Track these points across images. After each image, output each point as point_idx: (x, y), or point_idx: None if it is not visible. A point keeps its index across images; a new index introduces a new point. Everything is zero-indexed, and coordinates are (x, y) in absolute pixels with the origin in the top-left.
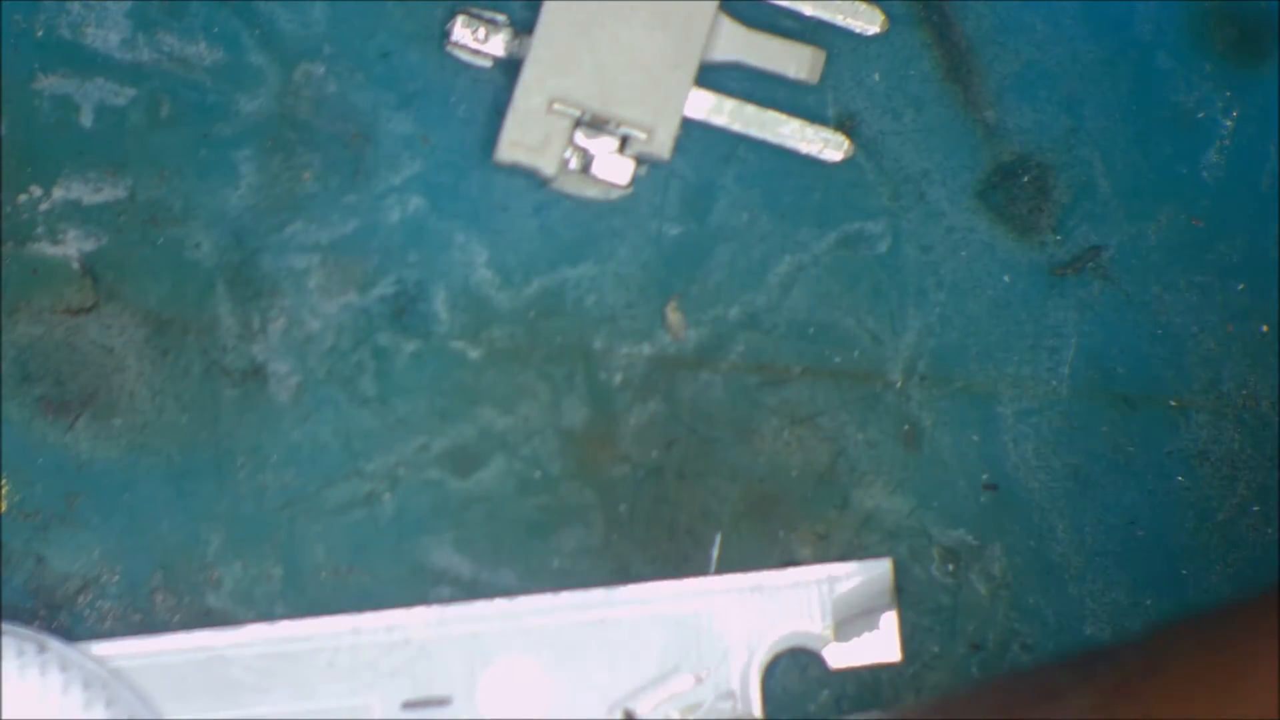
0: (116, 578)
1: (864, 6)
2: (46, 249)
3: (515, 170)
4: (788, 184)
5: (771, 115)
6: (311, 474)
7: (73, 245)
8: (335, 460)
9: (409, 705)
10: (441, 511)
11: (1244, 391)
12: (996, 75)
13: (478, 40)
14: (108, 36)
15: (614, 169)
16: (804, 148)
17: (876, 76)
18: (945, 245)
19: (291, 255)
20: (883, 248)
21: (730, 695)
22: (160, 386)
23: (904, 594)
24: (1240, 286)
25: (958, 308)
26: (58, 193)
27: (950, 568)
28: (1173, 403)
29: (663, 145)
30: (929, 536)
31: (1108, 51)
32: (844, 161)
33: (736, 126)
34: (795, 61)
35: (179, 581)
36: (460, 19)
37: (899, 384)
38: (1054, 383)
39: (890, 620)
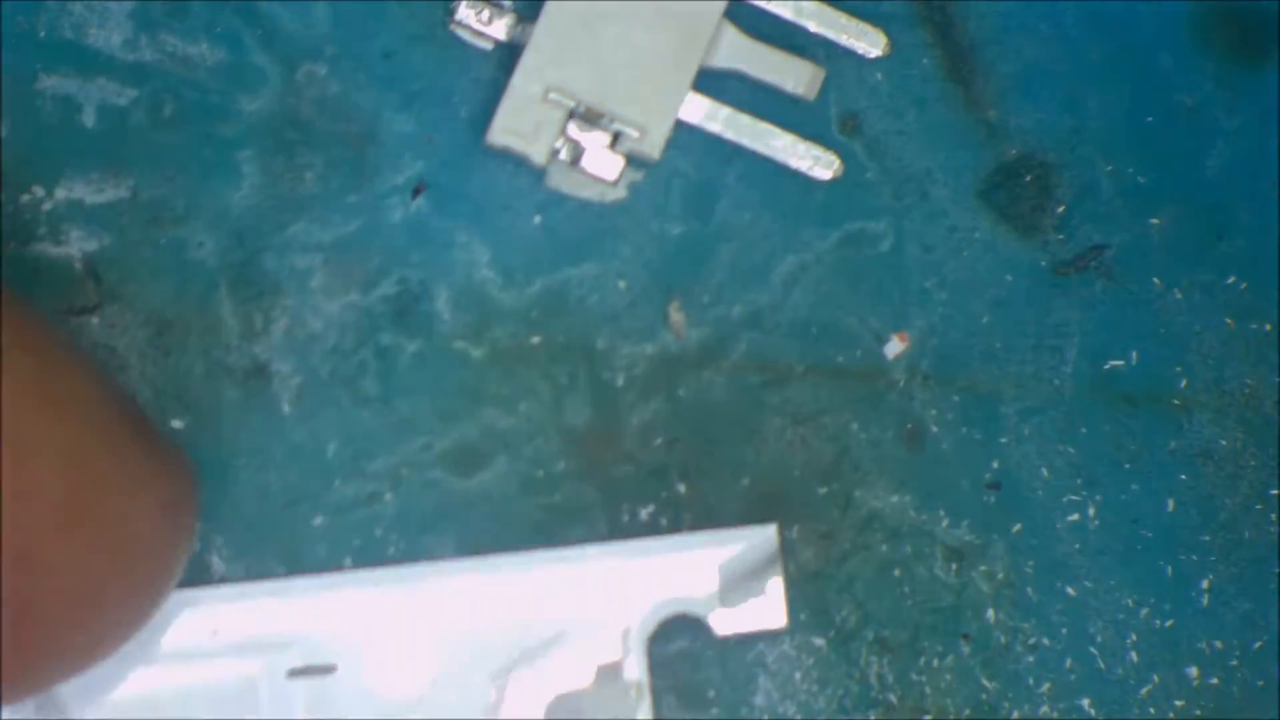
0: None
1: (868, 29)
2: (49, 249)
3: (507, 158)
4: (790, 183)
5: (765, 127)
6: (314, 474)
7: (75, 245)
8: (338, 460)
9: (295, 674)
10: (444, 511)
11: (1246, 390)
12: (999, 75)
13: (481, 22)
14: (110, 37)
15: (603, 164)
16: (794, 163)
17: (879, 76)
18: (948, 245)
19: (294, 255)
20: (885, 247)
21: (615, 663)
22: (163, 386)
23: (906, 592)
24: (1242, 285)
25: (960, 307)
26: (60, 193)
27: (953, 566)
28: (1175, 401)
29: (654, 145)
30: (932, 536)
31: (1110, 51)
32: (847, 160)
33: (729, 135)
34: (794, 77)
35: (181, 582)
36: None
37: (902, 383)
38: (1056, 382)
39: (776, 586)
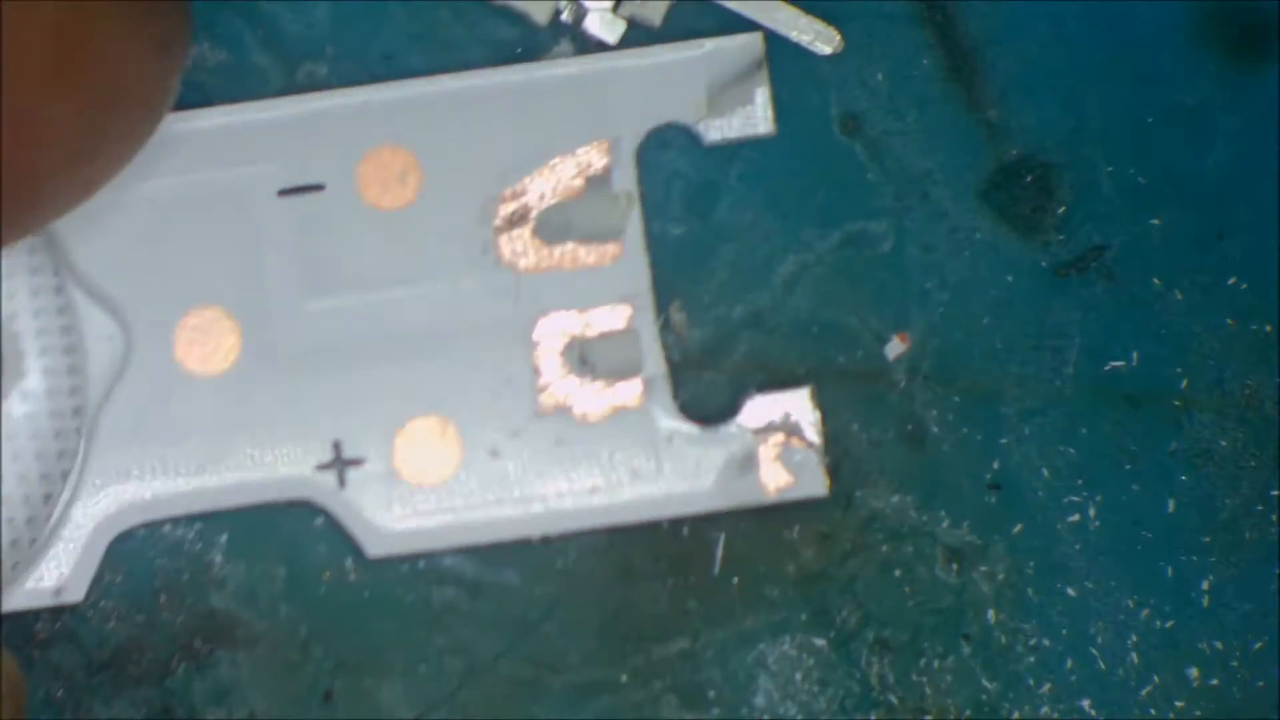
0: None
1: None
2: None
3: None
4: (791, 183)
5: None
6: None
7: None
8: None
9: (285, 192)
10: None
11: (1247, 391)
12: (1000, 75)
13: None
14: None
15: (605, 27)
16: (795, 36)
17: (880, 76)
18: (948, 245)
19: None
20: (886, 247)
21: (605, 170)
22: None
23: (907, 593)
24: (1243, 286)
25: (961, 307)
26: None
27: (954, 567)
28: (1176, 402)
29: (655, 10)
30: (933, 536)
31: (1110, 51)
32: (848, 161)
33: (731, 5)
34: None
35: (182, 580)
36: None
37: (902, 384)
38: (1057, 382)
39: (763, 93)
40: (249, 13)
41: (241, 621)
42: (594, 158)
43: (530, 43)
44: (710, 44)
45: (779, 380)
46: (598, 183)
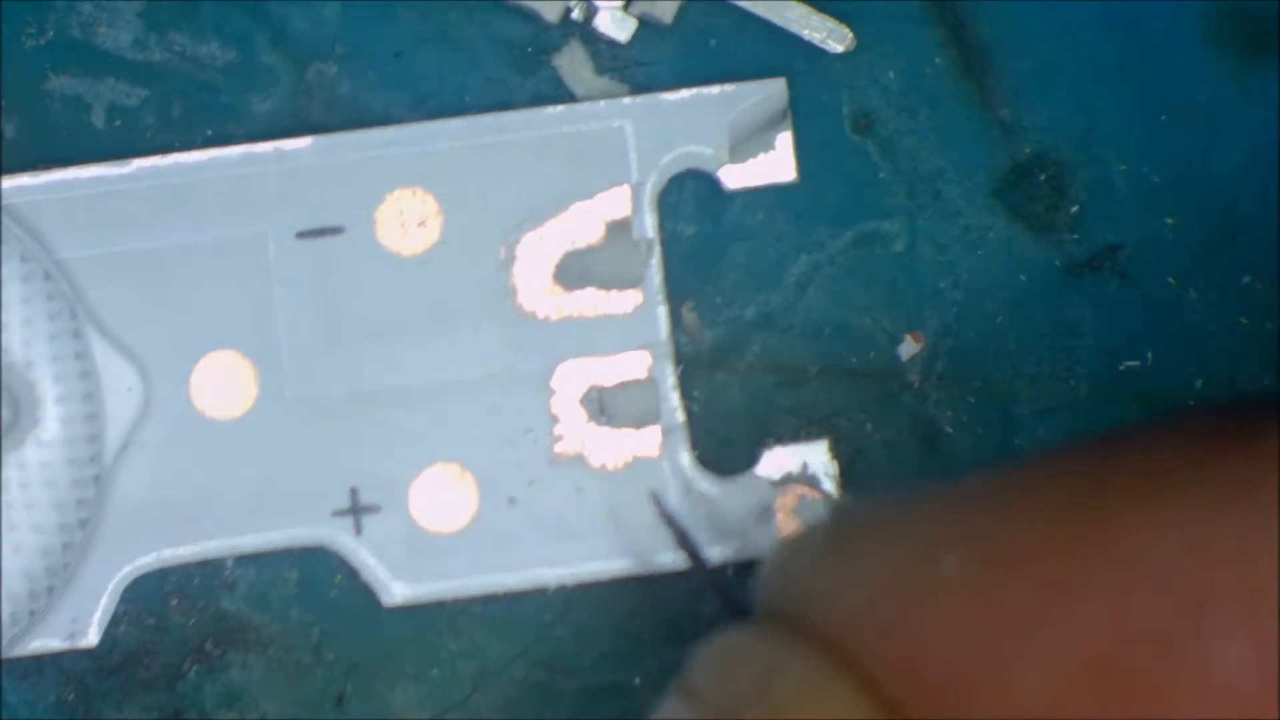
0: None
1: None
2: None
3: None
4: (803, 183)
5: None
6: None
7: None
8: None
9: (303, 235)
10: None
11: (1261, 391)
12: (1012, 73)
13: None
14: (119, 36)
15: (616, 25)
16: (807, 34)
17: (892, 75)
18: (962, 244)
19: None
20: (899, 247)
21: (625, 218)
22: None
23: None
24: (1257, 285)
25: (974, 307)
26: None
27: None
28: (1190, 402)
29: (667, 9)
30: None
31: (1124, 50)
32: (860, 160)
33: (742, 2)
34: None
35: (193, 584)
36: None
37: (916, 384)
38: (1071, 382)
39: (786, 140)
40: (257, 12)
41: (253, 624)
42: (614, 205)
43: (541, 41)
44: (734, 89)
45: (790, 380)
46: (618, 230)
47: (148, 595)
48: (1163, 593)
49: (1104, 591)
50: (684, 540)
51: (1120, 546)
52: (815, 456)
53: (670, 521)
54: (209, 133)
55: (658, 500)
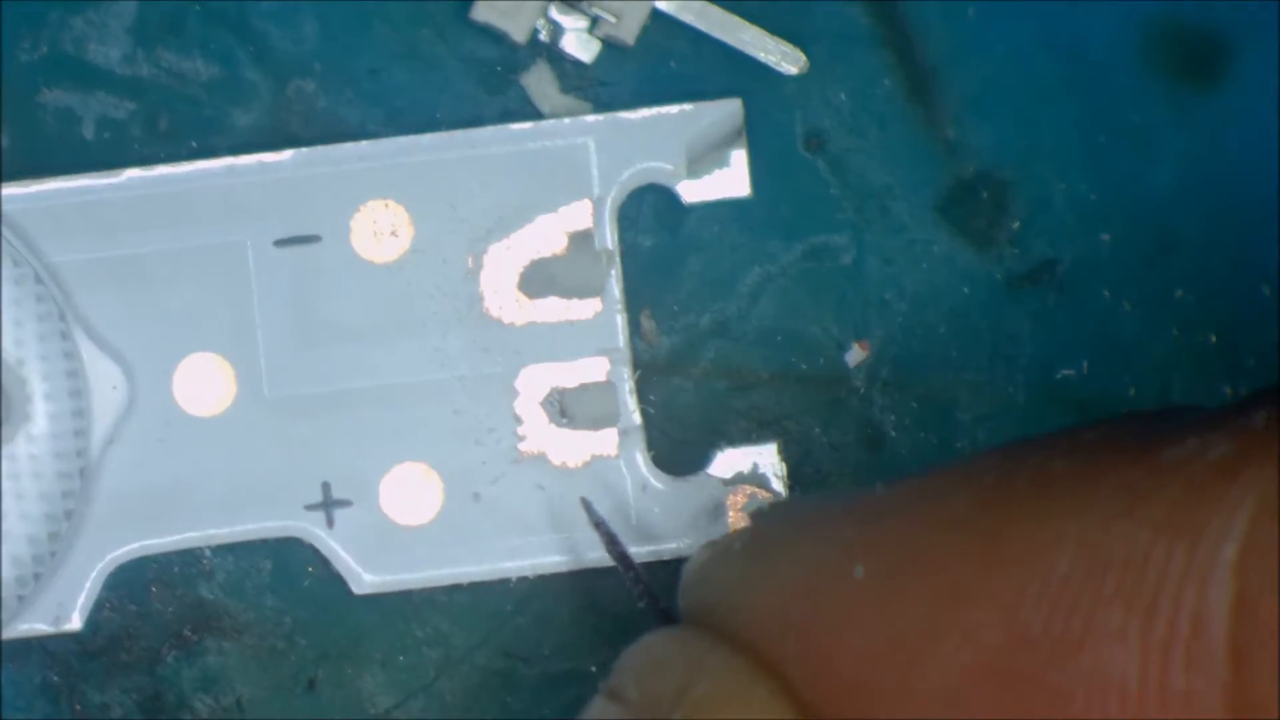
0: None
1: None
2: None
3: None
4: (757, 198)
5: (735, 20)
6: None
7: None
8: None
9: (281, 243)
10: None
11: (1192, 399)
12: (957, 95)
13: None
14: (109, 52)
15: (581, 46)
16: (761, 56)
17: (842, 96)
18: (907, 257)
19: None
20: (847, 259)
21: (587, 229)
22: None
23: None
24: (1189, 298)
25: (918, 317)
26: None
27: None
28: (1124, 410)
29: (629, 31)
30: None
31: (1064, 73)
32: (811, 176)
33: (701, 26)
34: None
35: (173, 572)
36: None
37: (862, 389)
38: (1010, 389)
39: (741, 158)
40: (240, 30)
41: (229, 611)
42: (577, 217)
43: (510, 61)
44: (692, 109)
45: (742, 385)
46: (580, 241)
47: (130, 583)
48: (1056, 598)
49: (1000, 597)
50: (612, 545)
51: (1015, 554)
52: (765, 458)
53: (599, 526)
54: (193, 144)
55: (588, 506)
